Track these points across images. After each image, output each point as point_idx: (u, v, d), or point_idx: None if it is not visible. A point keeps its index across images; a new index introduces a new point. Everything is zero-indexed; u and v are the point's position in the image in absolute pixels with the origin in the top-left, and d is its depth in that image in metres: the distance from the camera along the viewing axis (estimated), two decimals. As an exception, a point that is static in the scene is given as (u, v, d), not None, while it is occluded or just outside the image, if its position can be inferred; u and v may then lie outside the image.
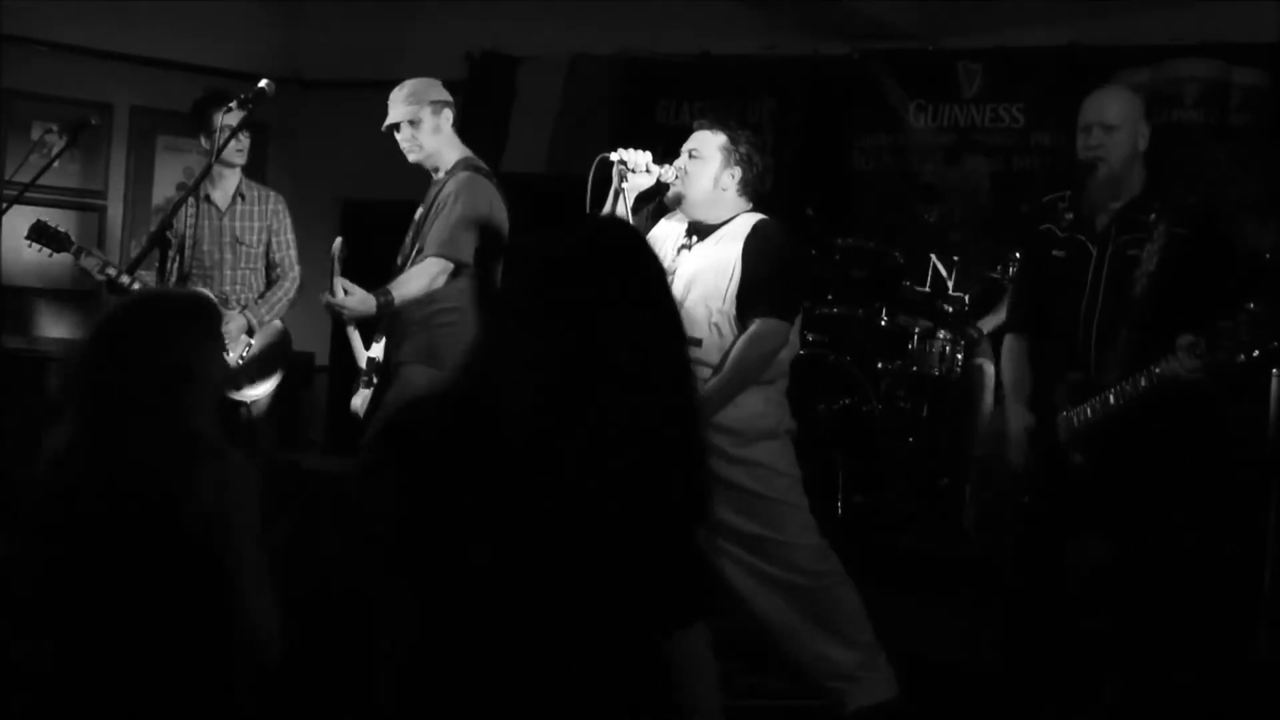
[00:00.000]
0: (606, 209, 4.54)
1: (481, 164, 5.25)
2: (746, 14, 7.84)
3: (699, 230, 4.55)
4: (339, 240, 4.94)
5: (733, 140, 4.53)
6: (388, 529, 2.24)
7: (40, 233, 5.69)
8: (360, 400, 5.02)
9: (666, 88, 8.35)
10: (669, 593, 2.23)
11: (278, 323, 5.96)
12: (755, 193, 4.59)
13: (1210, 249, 3.98)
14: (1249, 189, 6.68)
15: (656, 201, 4.69)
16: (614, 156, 4.49)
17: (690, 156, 4.53)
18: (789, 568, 4.45)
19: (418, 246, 5.14)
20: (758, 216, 4.54)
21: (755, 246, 4.43)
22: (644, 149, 4.54)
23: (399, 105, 5.14)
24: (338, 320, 5.08)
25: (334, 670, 4.00)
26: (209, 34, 8.51)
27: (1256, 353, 3.58)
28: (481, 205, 5.07)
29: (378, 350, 5.06)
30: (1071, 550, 4.14)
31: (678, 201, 4.56)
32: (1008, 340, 4.40)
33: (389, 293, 4.94)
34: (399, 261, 5.21)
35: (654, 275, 2.36)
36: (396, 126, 5.15)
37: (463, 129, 9.02)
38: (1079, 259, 4.08)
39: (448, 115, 5.20)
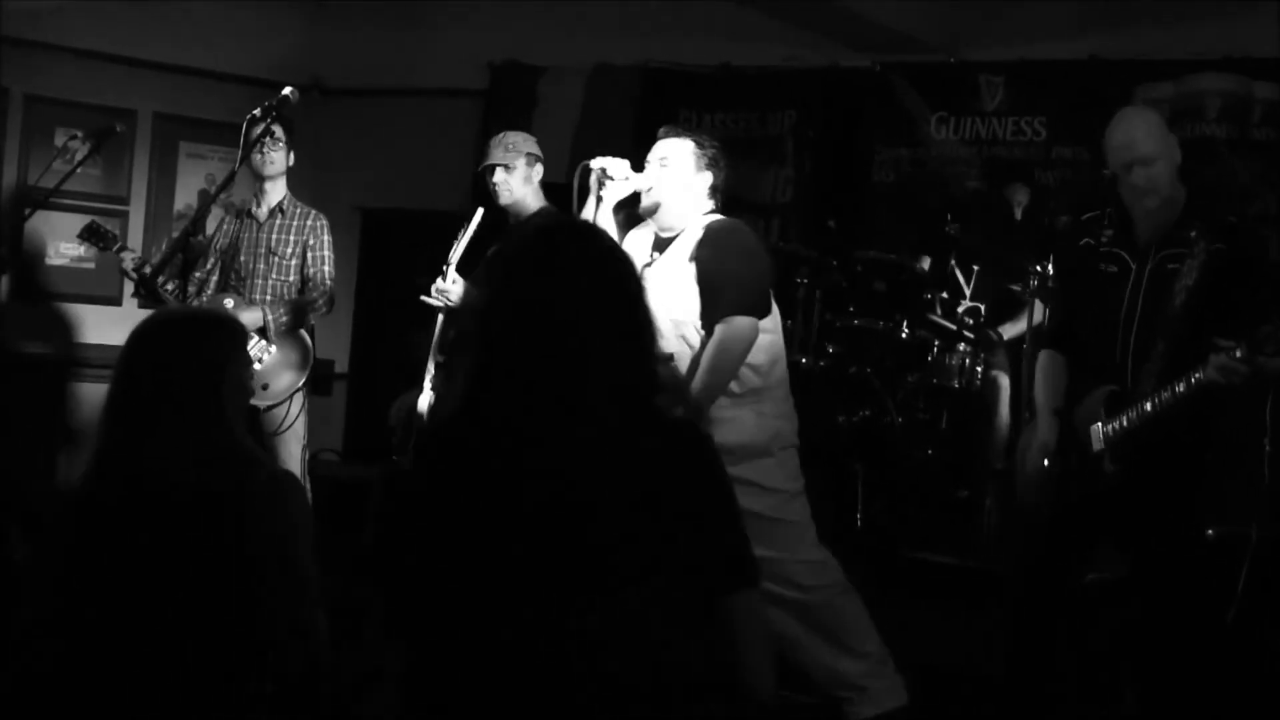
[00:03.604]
0: (588, 216, 4.56)
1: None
2: (768, 25, 7.85)
3: (660, 244, 4.56)
4: (479, 213, 5.41)
5: (699, 145, 4.56)
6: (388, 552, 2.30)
7: (92, 232, 5.99)
8: (425, 402, 5.28)
9: (687, 98, 8.36)
10: (714, 557, 2.26)
11: (301, 335, 5.97)
12: (723, 196, 4.60)
13: (1249, 265, 3.99)
14: (1270, 203, 6.68)
15: (626, 212, 4.70)
16: (595, 164, 4.54)
17: (661, 165, 4.53)
18: (784, 583, 4.39)
19: None
20: (711, 219, 4.53)
21: (706, 249, 4.40)
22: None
23: (497, 150, 5.55)
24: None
25: (346, 678, 4.01)
26: (232, 41, 8.54)
27: None
28: None
29: (442, 357, 5.32)
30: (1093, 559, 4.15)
31: (653, 210, 4.55)
32: (1042, 355, 4.41)
33: None
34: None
35: (611, 272, 2.34)
36: (492, 169, 5.52)
37: (483, 138, 9.09)
38: (1119, 274, 4.10)
39: (539, 169, 5.63)
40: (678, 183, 4.51)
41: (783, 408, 4.57)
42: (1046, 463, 4.22)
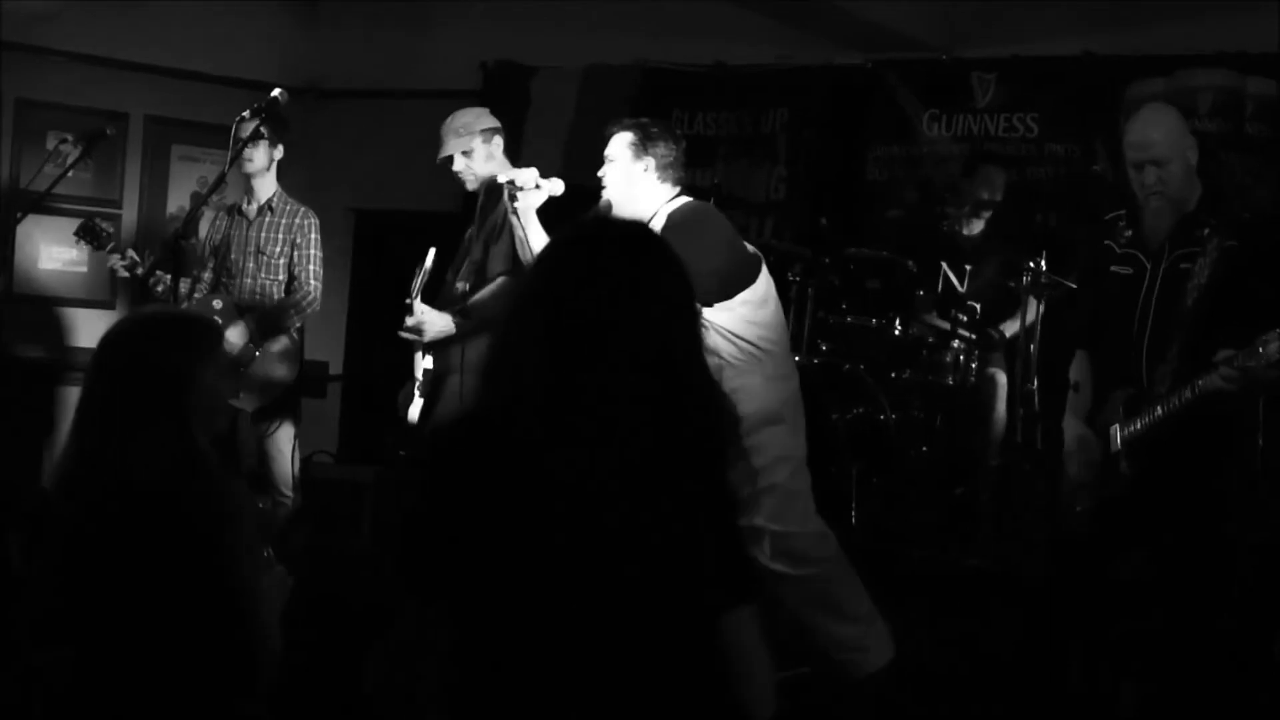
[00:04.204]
0: (519, 231, 4.63)
1: None
2: (761, 24, 7.84)
3: None
4: (431, 252, 5.07)
5: (639, 133, 4.59)
6: (410, 548, 2.25)
7: (87, 230, 6.03)
8: (415, 410, 5.15)
9: (681, 98, 8.35)
10: (711, 576, 2.22)
11: (289, 336, 5.96)
12: (677, 177, 4.62)
13: (1261, 261, 3.99)
14: (1263, 199, 6.66)
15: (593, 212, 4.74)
16: (502, 178, 4.61)
17: (607, 162, 4.60)
18: (795, 559, 4.49)
19: (469, 263, 5.23)
20: (675, 204, 4.57)
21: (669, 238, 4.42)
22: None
23: (450, 138, 5.27)
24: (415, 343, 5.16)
25: (345, 675, 4.01)
26: (225, 43, 8.53)
27: None
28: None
29: (429, 361, 5.14)
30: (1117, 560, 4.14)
31: (609, 210, 4.59)
32: (1079, 354, 4.43)
33: (469, 313, 5.07)
34: (448, 277, 5.32)
35: (653, 272, 2.29)
36: (450, 159, 5.27)
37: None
38: (1135, 275, 4.12)
39: (498, 142, 5.33)
40: (622, 175, 4.57)
41: (784, 367, 4.65)
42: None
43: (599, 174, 4.63)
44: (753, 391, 4.45)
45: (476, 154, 5.25)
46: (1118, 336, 4.15)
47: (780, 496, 4.47)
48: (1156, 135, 4.07)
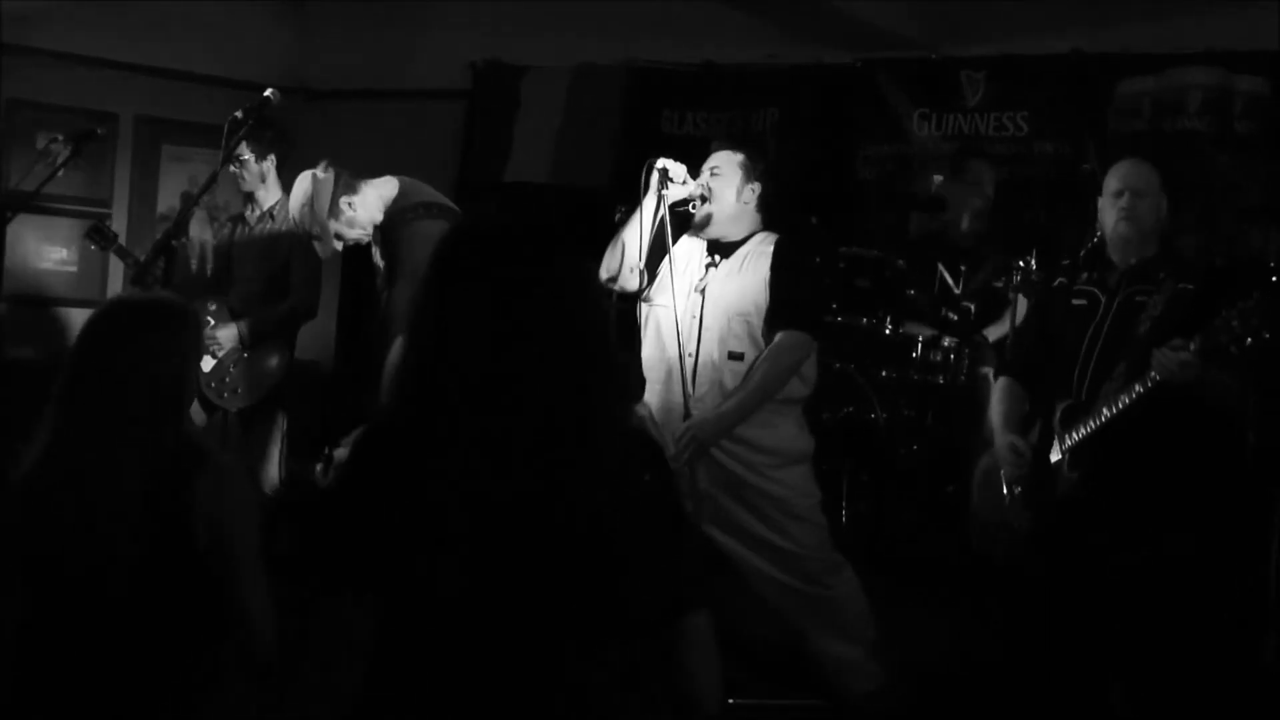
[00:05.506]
0: (649, 214, 4.65)
1: (435, 201, 5.40)
2: (750, 23, 7.85)
3: (719, 248, 4.72)
4: None
5: (750, 158, 4.74)
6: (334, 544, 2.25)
7: (96, 231, 6.15)
8: None
9: (670, 97, 8.36)
10: (662, 584, 2.23)
11: (278, 346, 5.94)
12: (768, 209, 4.76)
13: (1213, 304, 4.02)
14: (1252, 197, 6.68)
15: (677, 215, 4.78)
16: (658, 164, 4.65)
17: (713, 175, 4.70)
18: (811, 581, 4.67)
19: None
20: (775, 234, 4.71)
21: (785, 262, 4.61)
22: (673, 158, 4.69)
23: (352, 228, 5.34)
24: None
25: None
26: (215, 44, 8.53)
27: (1250, 340, 3.65)
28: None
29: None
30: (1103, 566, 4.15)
31: (706, 220, 4.70)
32: (1001, 380, 4.48)
33: None
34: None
35: (511, 281, 2.22)
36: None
37: (466, 139, 9.04)
38: (1088, 307, 4.22)
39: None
40: (730, 192, 4.69)
41: (804, 418, 4.81)
42: (1008, 483, 4.29)
43: (699, 181, 4.69)
44: (786, 431, 4.67)
45: (356, 209, 5.40)
46: (1060, 362, 4.20)
47: (804, 526, 4.67)
48: (1139, 171, 4.21)
